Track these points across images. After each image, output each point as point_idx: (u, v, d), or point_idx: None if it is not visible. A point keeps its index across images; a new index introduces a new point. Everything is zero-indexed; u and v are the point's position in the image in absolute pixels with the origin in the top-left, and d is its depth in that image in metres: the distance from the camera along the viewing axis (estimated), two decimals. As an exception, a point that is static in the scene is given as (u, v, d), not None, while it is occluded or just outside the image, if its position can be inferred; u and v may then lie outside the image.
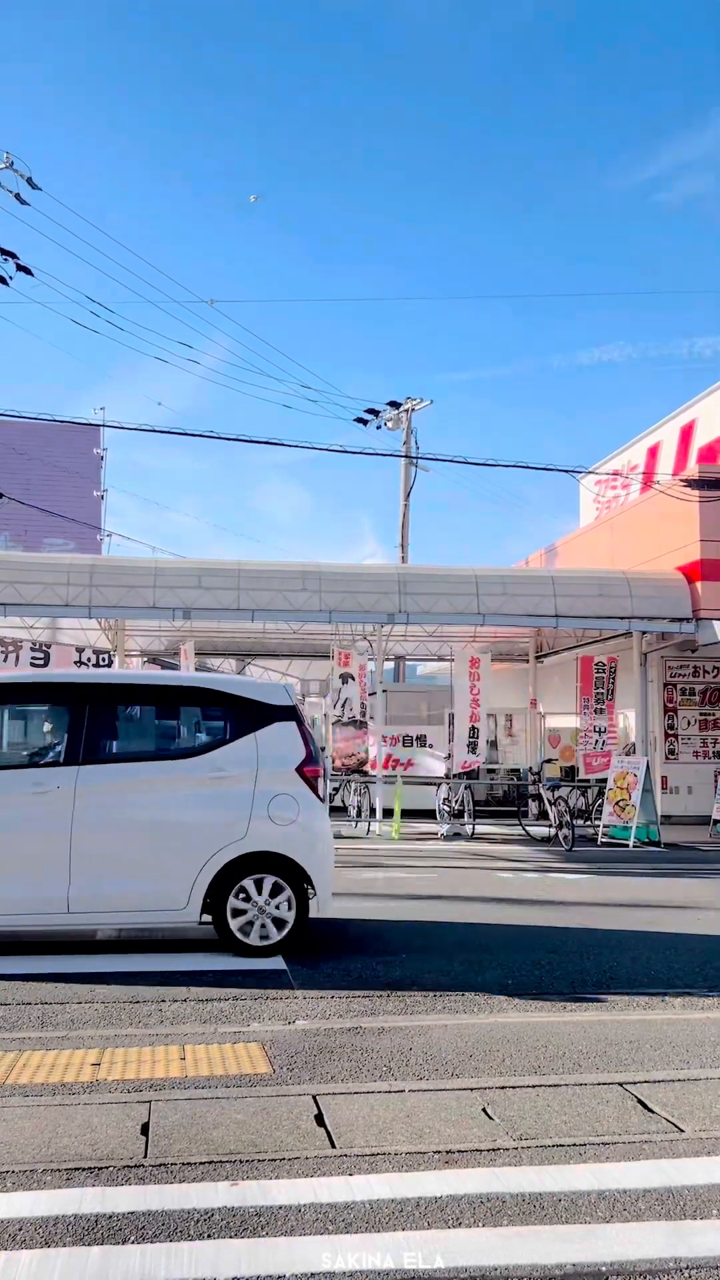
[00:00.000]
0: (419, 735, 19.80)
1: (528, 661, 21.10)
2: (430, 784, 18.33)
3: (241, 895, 6.53)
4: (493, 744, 19.38)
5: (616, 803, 15.43)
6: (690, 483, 15.96)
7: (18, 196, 15.49)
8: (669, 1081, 4.30)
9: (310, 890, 6.69)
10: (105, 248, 71.70)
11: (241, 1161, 3.38)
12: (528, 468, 16.52)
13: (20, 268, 14.83)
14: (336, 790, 19.36)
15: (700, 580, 15.49)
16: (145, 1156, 3.41)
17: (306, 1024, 5.13)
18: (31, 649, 23.18)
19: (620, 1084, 4.24)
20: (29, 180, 15.59)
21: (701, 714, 18.55)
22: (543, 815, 16.19)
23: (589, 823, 16.40)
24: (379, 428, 25.71)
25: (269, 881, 6.56)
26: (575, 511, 26.34)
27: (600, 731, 17.24)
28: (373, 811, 16.77)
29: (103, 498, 43.11)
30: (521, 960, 6.72)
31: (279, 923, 6.59)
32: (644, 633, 16.08)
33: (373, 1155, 3.45)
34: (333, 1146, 3.53)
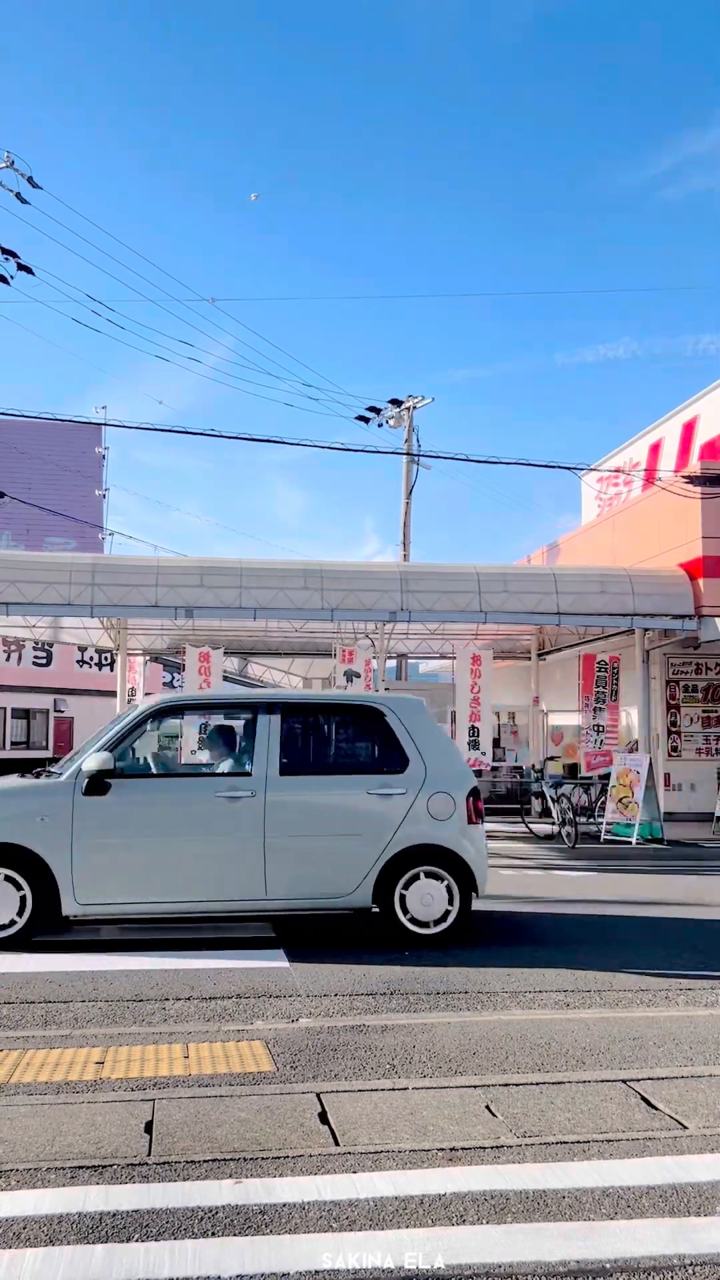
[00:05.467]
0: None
1: (530, 659, 21.07)
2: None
3: None
4: (496, 742, 19.36)
5: (619, 800, 15.43)
6: (692, 479, 15.93)
7: (18, 196, 15.48)
8: (672, 1078, 4.30)
9: None
10: (106, 246, 71.72)
11: (245, 1159, 3.38)
12: (530, 465, 16.50)
13: (21, 267, 14.81)
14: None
15: (702, 577, 15.46)
16: (149, 1155, 3.41)
17: (310, 1022, 5.13)
18: (34, 648, 23.22)
19: (624, 1081, 4.24)
20: (29, 179, 15.58)
21: (704, 711, 18.53)
22: (545, 813, 16.19)
23: (592, 820, 16.38)
24: (380, 426, 25.68)
25: None
26: (577, 509, 26.31)
27: (602, 729, 17.22)
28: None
29: (104, 497, 43.19)
30: (524, 958, 6.72)
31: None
32: (646, 630, 16.06)
33: (376, 1153, 3.45)
34: (336, 1144, 3.53)
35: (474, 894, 7.23)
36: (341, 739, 7.90)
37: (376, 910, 7.16)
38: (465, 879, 7.17)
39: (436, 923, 7.07)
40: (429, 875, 7.11)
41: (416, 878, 7.10)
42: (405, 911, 7.06)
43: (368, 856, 7.04)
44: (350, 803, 7.15)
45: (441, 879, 7.11)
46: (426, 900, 7.08)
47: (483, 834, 7.47)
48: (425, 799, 7.15)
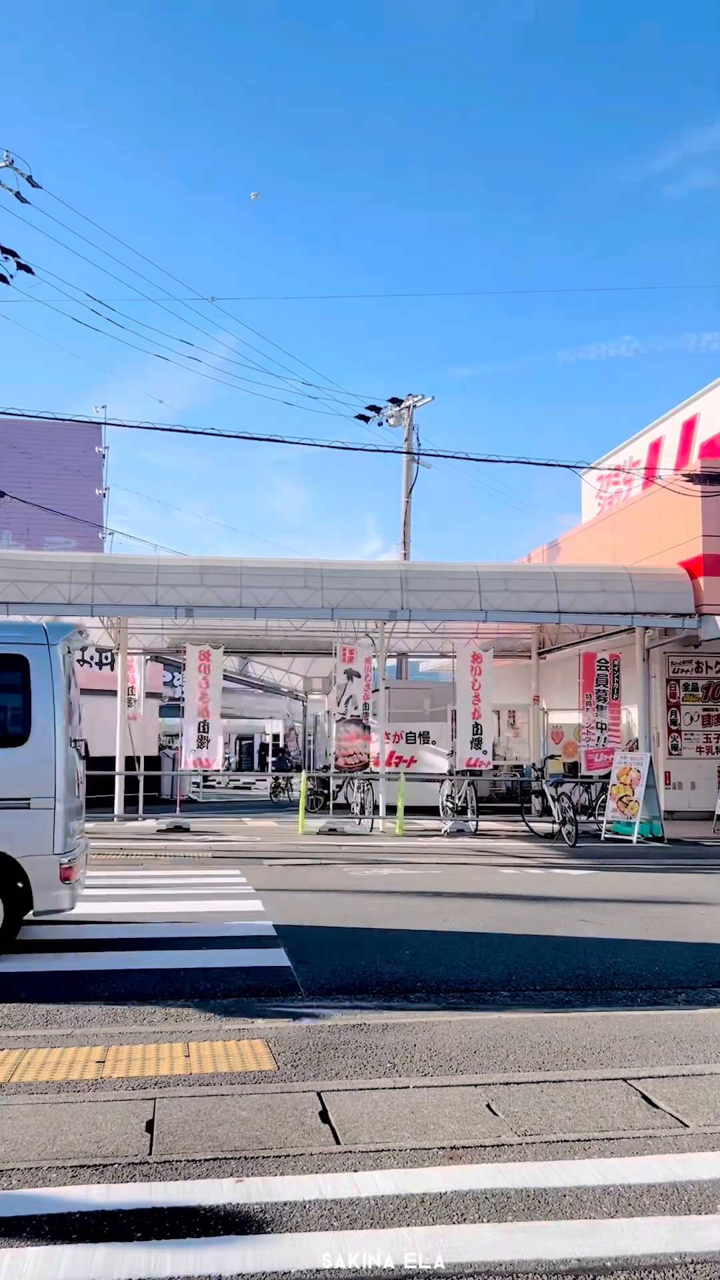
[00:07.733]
0: (422, 732, 19.81)
1: (530, 658, 21.08)
2: (433, 780, 18.34)
3: None
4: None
5: (620, 798, 15.43)
6: (692, 478, 15.94)
7: (18, 195, 15.46)
8: (673, 1077, 4.30)
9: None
10: (106, 246, 71.69)
11: (246, 1158, 3.38)
12: (530, 463, 16.44)
13: (21, 266, 14.79)
14: (340, 787, 19.37)
15: (703, 575, 15.46)
16: (150, 1154, 3.41)
17: (311, 1021, 5.14)
18: (34, 647, 23.23)
19: (624, 1079, 4.24)
20: (29, 178, 15.55)
21: (704, 709, 18.54)
22: (546, 811, 16.19)
23: (592, 819, 16.40)
24: (381, 424, 25.67)
25: None
26: (578, 507, 26.32)
27: (602, 727, 17.22)
28: (376, 808, 16.79)
29: (105, 496, 43.10)
30: (525, 956, 6.72)
31: None
32: (646, 628, 16.06)
33: (377, 1151, 3.45)
34: (337, 1143, 3.53)
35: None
36: None
37: None
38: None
39: None
40: None
41: None
42: None
43: None
44: None
45: None
46: None
47: None
48: None
